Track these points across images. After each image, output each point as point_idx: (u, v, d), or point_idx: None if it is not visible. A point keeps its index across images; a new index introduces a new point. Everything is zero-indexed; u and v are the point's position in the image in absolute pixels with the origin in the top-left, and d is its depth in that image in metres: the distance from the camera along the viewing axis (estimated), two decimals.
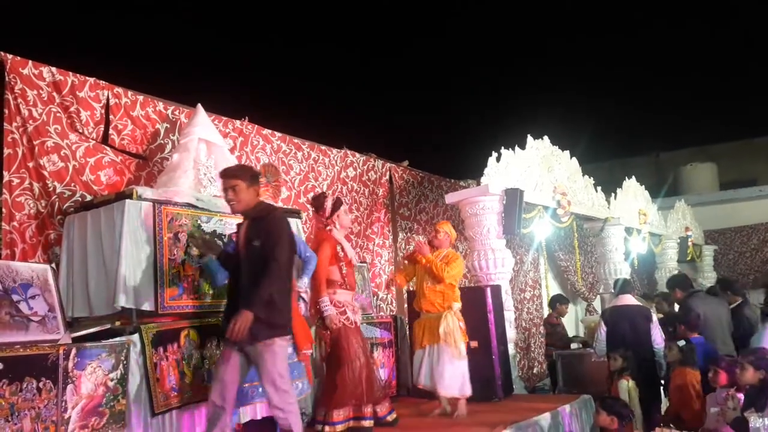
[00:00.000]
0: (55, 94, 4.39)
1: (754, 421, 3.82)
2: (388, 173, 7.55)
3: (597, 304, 10.27)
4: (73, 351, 3.20)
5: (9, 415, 2.89)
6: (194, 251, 4.02)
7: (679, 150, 17.24)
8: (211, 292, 4.13)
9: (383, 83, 19.03)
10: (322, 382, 4.56)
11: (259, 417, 4.04)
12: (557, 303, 8.25)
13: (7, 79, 4.14)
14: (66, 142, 4.38)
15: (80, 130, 4.50)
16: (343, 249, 4.44)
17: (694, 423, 4.70)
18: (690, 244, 11.25)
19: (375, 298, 6.72)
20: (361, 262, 6.27)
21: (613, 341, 5.75)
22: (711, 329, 5.82)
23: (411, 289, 5.54)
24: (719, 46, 17.82)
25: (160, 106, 5.09)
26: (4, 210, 4.10)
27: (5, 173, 4.13)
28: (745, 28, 17.95)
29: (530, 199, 6.74)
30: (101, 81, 4.68)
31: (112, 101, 4.71)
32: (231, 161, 4.61)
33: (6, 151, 4.13)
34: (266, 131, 5.97)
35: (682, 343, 5.22)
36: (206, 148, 4.59)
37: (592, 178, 8.30)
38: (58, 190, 4.28)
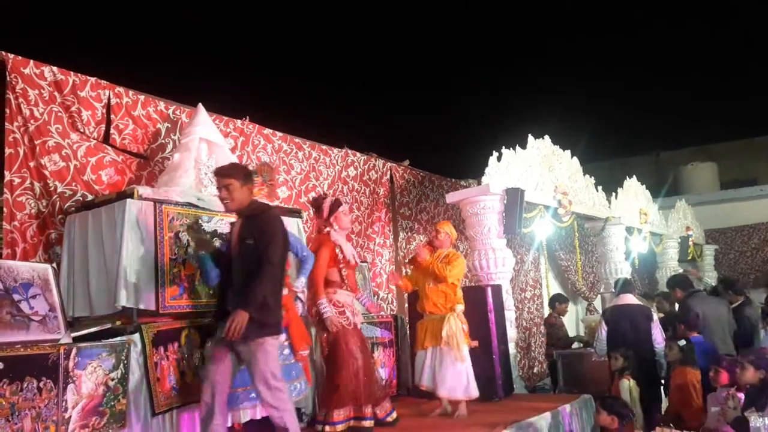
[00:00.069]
0: (56, 93, 4.39)
1: (755, 420, 3.82)
2: (388, 173, 7.55)
3: (598, 303, 10.28)
4: (74, 350, 3.20)
5: (9, 415, 2.89)
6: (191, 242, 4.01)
7: (680, 149, 17.25)
8: (212, 291, 4.13)
9: (383, 83, 19.07)
10: (322, 382, 4.56)
11: (258, 417, 4.04)
12: (556, 302, 8.24)
13: (8, 78, 4.14)
14: (67, 142, 4.38)
15: (81, 130, 4.50)
16: (342, 251, 4.43)
17: (694, 422, 4.70)
18: (691, 243, 11.26)
19: (375, 297, 6.72)
20: (361, 262, 6.27)
21: (613, 341, 5.76)
22: (710, 329, 5.83)
23: (413, 289, 5.53)
24: (719, 46, 17.85)
25: (161, 105, 5.09)
26: (5, 209, 4.10)
27: (6, 173, 4.13)
28: (745, 28, 17.99)
29: (531, 199, 6.74)
30: (102, 81, 4.68)
31: (113, 101, 4.72)
32: (232, 161, 4.61)
33: (7, 151, 4.14)
34: (267, 131, 5.97)
35: (682, 342, 5.23)
36: (207, 147, 4.60)
37: (592, 177, 8.31)
38: (59, 190, 4.28)
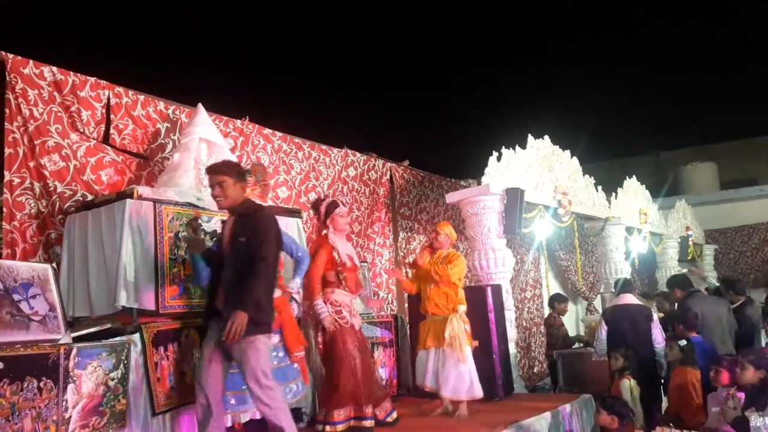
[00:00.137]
0: (56, 93, 4.39)
1: (755, 420, 3.82)
2: (388, 173, 7.55)
3: (598, 303, 10.28)
4: (74, 350, 3.20)
5: (10, 415, 2.89)
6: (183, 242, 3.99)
7: (680, 149, 17.25)
8: (200, 292, 4.11)
9: (383, 83, 19.05)
10: (321, 382, 4.56)
11: (258, 417, 4.03)
12: (556, 302, 8.24)
13: (8, 78, 4.14)
14: (67, 142, 4.38)
15: (81, 130, 4.50)
16: (338, 254, 4.43)
17: (694, 422, 4.70)
18: (691, 243, 11.27)
19: (375, 297, 6.72)
20: (361, 262, 6.27)
21: (613, 341, 5.75)
22: (709, 328, 5.82)
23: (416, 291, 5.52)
24: (719, 46, 17.83)
25: (161, 105, 5.09)
26: (4, 209, 4.10)
27: (6, 173, 4.13)
28: (745, 28, 17.97)
29: (531, 199, 6.74)
30: (102, 81, 4.68)
31: (112, 101, 4.72)
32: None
33: (7, 151, 4.14)
34: (267, 131, 5.97)
35: (683, 342, 5.23)
36: (207, 147, 4.60)
37: (592, 177, 8.31)
38: (58, 190, 4.28)
